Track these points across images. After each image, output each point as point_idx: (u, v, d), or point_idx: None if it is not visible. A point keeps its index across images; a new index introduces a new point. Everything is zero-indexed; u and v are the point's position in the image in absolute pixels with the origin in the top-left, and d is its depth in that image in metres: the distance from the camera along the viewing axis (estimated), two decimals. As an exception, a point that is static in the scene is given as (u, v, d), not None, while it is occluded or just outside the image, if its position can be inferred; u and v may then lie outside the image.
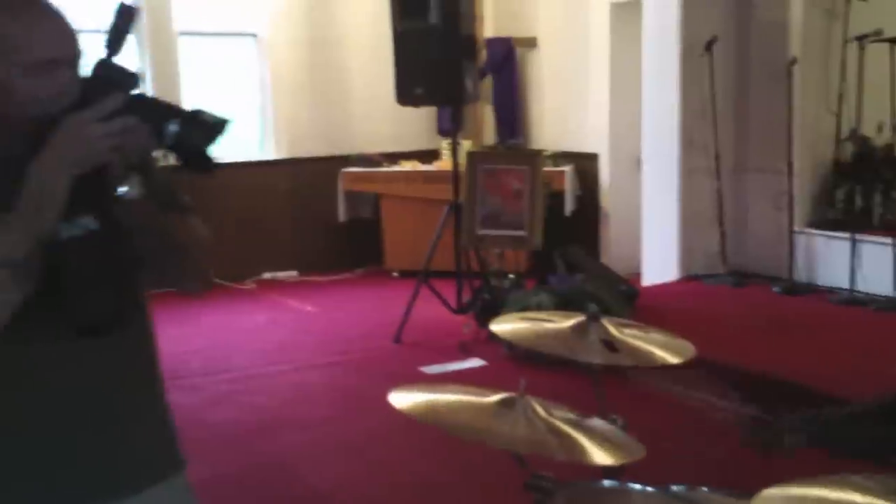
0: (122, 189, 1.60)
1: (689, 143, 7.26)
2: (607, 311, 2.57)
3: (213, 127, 1.61)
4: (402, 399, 2.07)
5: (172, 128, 1.59)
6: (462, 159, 6.90)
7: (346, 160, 8.73)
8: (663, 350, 2.40)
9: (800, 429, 4.57)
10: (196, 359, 6.10)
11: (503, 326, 2.53)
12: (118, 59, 1.68)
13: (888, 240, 6.52)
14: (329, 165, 8.66)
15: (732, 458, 4.32)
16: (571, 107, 8.56)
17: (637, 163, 7.77)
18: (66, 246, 1.60)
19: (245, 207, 8.20)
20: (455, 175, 6.71)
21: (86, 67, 1.67)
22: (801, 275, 7.00)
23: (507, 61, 8.79)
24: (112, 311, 1.67)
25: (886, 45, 6.82)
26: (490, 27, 8.95)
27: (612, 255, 8.17)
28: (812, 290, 6.85)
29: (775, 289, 6.91)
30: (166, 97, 1.76)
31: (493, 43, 8.78)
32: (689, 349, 2.43)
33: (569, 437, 1.97)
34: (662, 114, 7.32)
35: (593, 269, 7.03)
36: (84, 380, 1.72)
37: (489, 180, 6.85)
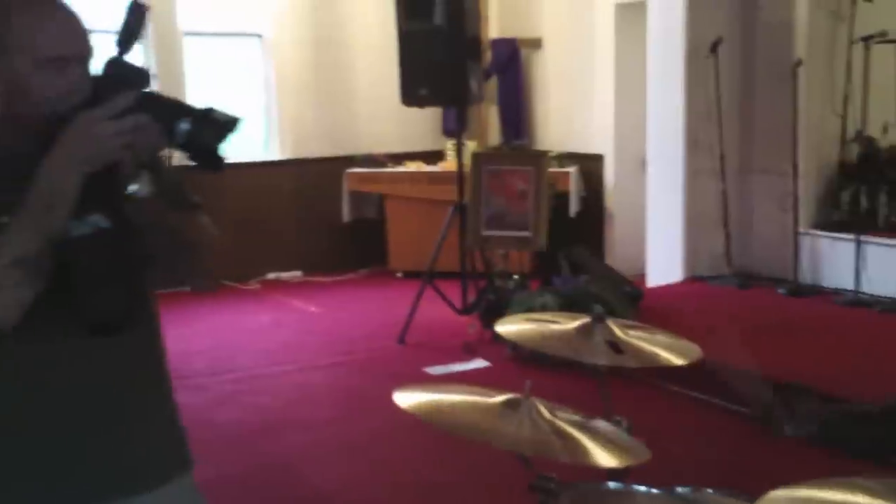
0: (133, 187, 1.60)
1: (694, 144, 7.25)
2: (611, 312, 2.57)
3: (223, 125, 1.61)
4: (407, 399, 2.07)
5: (183, 126, 1.58)
6: (467, 160, 6.91)
7: (351, 161, 8.73)
8: (668, 352, 2.40)
9: (806, 422, 4.57)
10: (200, 359, 6.10)
11: (508, 327, 2.53)
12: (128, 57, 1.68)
13: (893, 241, 6.51)
14: (334, 166, 8.66)
15: (738, 460, 4.31)
16: (576, 108, 8.55)
17: (642, 164, 7.76)
18: (77, 244, 1.60)
19: (249, 208, 8.20)
20: (460, 176, 6.71)
21: (97, 66, 1.67)
22: (805, 276, 6.98)
23: (511, 62, 8.79)
24: (122, 310, 1.67)
25: (892, 47, 6.81)
26: (495, 28, 8.95)
27: (616, 256, 8.16)
28: (817, 291, 6.83)
29: (780, 290, 6.89)
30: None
31: (498, 44, 8.78)
32: (695, 351, 2.43)
33: (573, 438, 1.96)
34: (667, 115, 7.31)
35: (598, 270, 7.03)
36: (93, 378, 1.72)
37: (494, 181, 6.85)
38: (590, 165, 8.40)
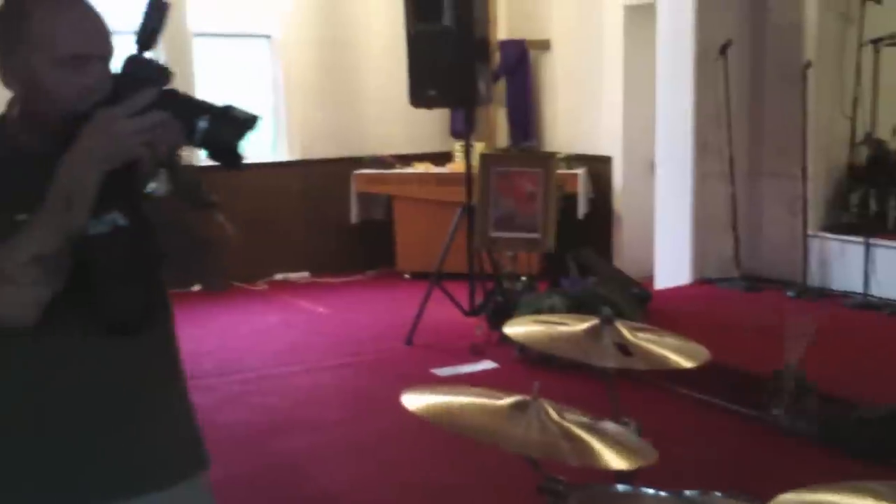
0: (151, 185, 1.60)
1: (702, 146, 7.24)
2: (619, 314, 2.56)
3: (243, 123, 1.61)
4: (415, 401, 2.06)
5: (202, 124, 1.58)
6: (475, 161, 6.91)
7: (359, 162, 8.73)
8: (677, 354, 2.40)
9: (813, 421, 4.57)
10: (208, 359, 6.11)
11: (516, 329, 2.52)
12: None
13: (903, 244, 6.50)
14: (342, 167, 8.66)
15: (746, 462, 4.31)
16: (585, 109, 8.55)
17: (650, 166, 7.75)
18: (94, 242, 1.60)
19: (257, 209, 8.20)
20: (468, 177, 6.71)
21: (117, 64, 1.66)
22: (814, 279, 6.97)
23: (520, 64, 8.79)
24: (140, 308, 1.68)
25: (902, 49, 6.80)
26: (503, 29, 8.94)
27: (624, 258, 8.15)
28: (826, 294, 6.82)
29: (789, 293, 6.88)
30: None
31: (506, 45, 8.77)
32: (703, 353, 2.42)
33: (582, 440, 1.96)
34: (676, 117, 7.30)
35: (606, 272, 7.02)
36: (108, 377, 1.72)
37: (502, 182, 6.85)
38: (598, 167, 8.39)
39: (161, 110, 1.56)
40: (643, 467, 1.97)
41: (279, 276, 8.59)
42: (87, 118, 1.55)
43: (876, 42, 6.68)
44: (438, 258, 6.54)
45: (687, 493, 2.11)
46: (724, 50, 6.99)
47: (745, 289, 7.06)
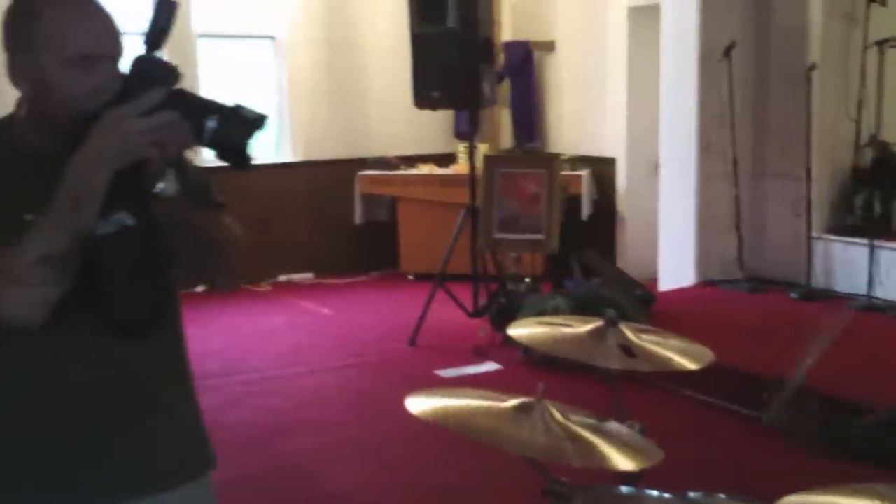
0: (159, 185, 1.60)
1: (706, 147, 7.23)
2: (623, 316, 2.56)
3: (251, 123, 1.61)
4: (419, 403, 2.06)
5: (211, 124, 1.58)
6: (479, 163, 6.90)
7: (363, 163, 8.73)
8: (681, 356, 2.40)
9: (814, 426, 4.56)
10: (212, 360, 6.11)
11: (520, 330, 2.52)
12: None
13: (907, 246, 6.49)
14: (346, 168, 8.66)
15: (750, 464, 4.30)
16: (589, 111, 8.54)
17: (654, 167, 7.74)
18: (102, 242, 1.60)
19: (261, 210, 8.20)
20: (472, 178, 6.71)
21: (126, 64, 1.66)
22: (818, 281, 6.96)
23: (524, 65, 8.79)
24: (148, 308, 1.68)
25: (906, 51, 6.79)
26: (508, 31, 8.94)
27: (628, 259, 8.15)
28: (830, 296, 6.81)
29: (793, 295, 6.87)
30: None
31: (510, 46, 8.77)
32: (708, 355, 2.42)
33: (587, 441, 1.96)
34: (680, 118, 7.30)
35: (609, 274, 7.02)
36: (118, 376, 1.73)
37: (506, 184, 6.85)
38: (602, 168, 8.39)
39: (170, 110, 1.56)
40: (648, 469, 1.97)
41: (283, 278, 8.59)
42: (96, 118, 1.55)
43: (881, 44, 6.68)
44: (442, 259, 6.54)
45: (691, 494, 2.11)
46: (728, 51, 6.99)
47: (748, 290, 7.05)
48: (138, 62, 1.64)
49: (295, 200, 8.66)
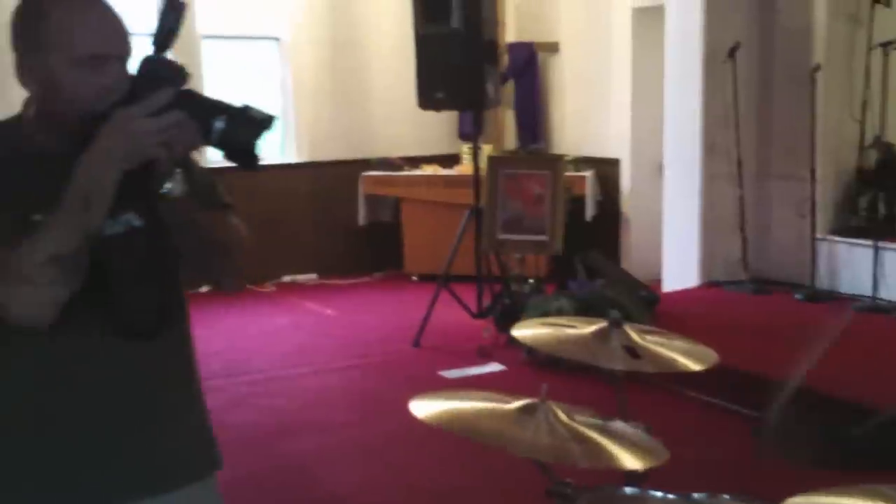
0: (167, 186, 1.60)
1: (711, 148, 7.23)
2: (627, 317, 2.56)
3: (259, 123, 1.61)
4: (423, 406, 2.06)
5: (219, 124, 1.58)
6: (483, 164, 6.90)
7: (367, 164, 8.74)
8: (685, 357, 2.39)
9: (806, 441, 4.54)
10: (216, 361, 6.11)
11: (524, 331, 2.52)
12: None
13: (911, 247, 6.48)
14: (350, 169, 8.67)
15: (755, 466, 4.29)
16: (593, 112, 8.54)
17: (658, 168, 7.74)
18: (109, 243, 1.61)
19: (265, 210, 8.20)
20: (476, 179, 6.70)
21: (134, 64, 1.67)
22: (823, 282, 6.95)
23: (528, 66, 8.78)
24: (155, 309, 1.68)
25: (911, 52, 6.78)
26: (512, 32, 8.94)
27: (632, 260, 8.14)
28: (834, 297, 6.80)
29: (797, 296, 6.87)
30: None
31: (514, 47, 8.77)
32: (712, 356, 2.42)
33: (593, 442, 1.96)
34: (684, 119, 7.29)
35: (614, 275, 7.01)
36: (126, 376, 1.73)
37: (510, 185, 6.85)
38: (606, 169, 8.38)
39: (178, 111, 1.56)
40: (653, 470, 1.96)
41: (287, 278, 8.59)
42: (104, 118, 1.55)
43: (885, 45, 6.67)
44: (446, 260, 6.54)
45: (695, 495, 2.11)
46: (732, 52, 6.98)
47: (752, 291, 7.04)
48: (146, 63, 1.64)
49: (299, 201, 8.67)
